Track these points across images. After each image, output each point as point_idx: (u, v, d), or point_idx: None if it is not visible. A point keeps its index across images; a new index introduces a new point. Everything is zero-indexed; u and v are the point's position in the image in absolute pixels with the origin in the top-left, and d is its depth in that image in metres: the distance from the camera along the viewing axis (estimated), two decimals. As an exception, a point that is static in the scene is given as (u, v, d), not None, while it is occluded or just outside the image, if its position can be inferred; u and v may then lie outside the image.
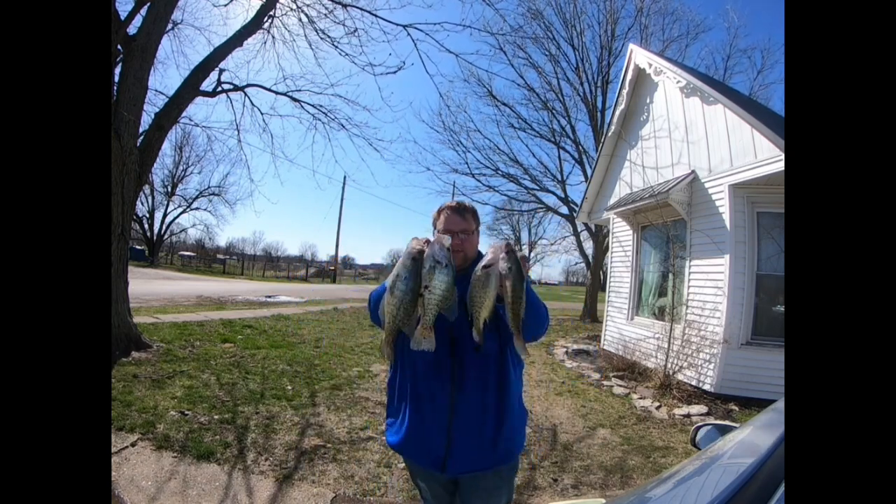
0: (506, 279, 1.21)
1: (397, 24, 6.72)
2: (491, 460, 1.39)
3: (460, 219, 1.43)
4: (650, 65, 7.14)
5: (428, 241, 1.27)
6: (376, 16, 6.78)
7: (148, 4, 5.33)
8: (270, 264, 39.89)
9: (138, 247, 31.24)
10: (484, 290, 1.22)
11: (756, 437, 1.09)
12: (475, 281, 1.23)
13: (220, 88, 6.82)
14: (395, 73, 7.13)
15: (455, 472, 1.39)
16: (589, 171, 11.08)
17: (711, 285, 5.37)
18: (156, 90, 9.95)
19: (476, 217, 1.50)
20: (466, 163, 15.61)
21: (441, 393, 1.38)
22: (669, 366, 5.38)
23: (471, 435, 1.37)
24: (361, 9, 6.90)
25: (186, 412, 3.52)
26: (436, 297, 1.19)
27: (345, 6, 6.86)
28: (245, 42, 6.30)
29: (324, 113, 7.59)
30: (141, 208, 30.78)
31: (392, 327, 1.26)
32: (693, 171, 5.93)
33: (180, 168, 31.92)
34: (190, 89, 5.95)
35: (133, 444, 2.93)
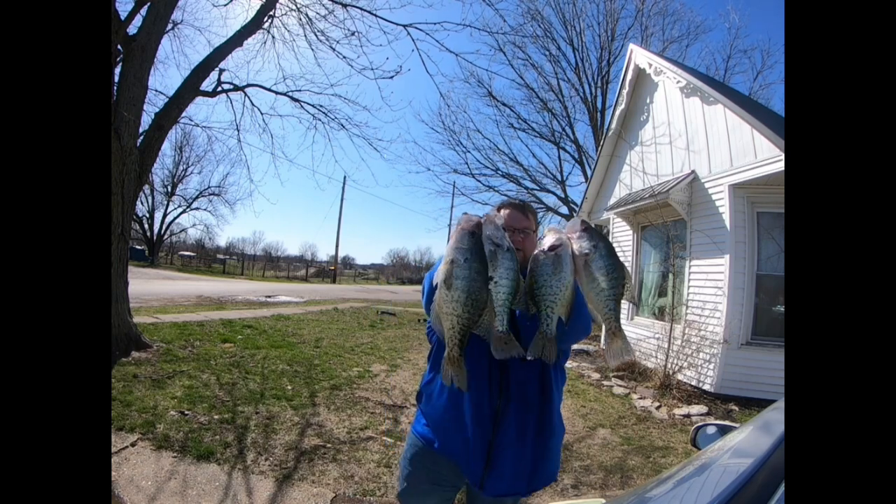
0: (592, 261, 1.00)
1: (397, 24, 6.73)
2: (531, 485, 1.33)
3: (522, 216, 1.37)
4: (650, 65, 7.14)
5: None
6: (376, 15, 6.78)
7: (148, 4, 5.32)
8: (270, 264, 39.88)
9: (138, 247, 31.21)
10: (556, 276, 0.98)
11: (756, 437, 1.09)
12: (540, 267, 1.00)
13: (220, 88, 6.81)
14: (391, 77, 7.14)
15: (493, 492, 1.30)
16: (589, 172, 11.09)
17: (711, 285, 5.37)
18: (156, 90, 9.93)
19: (537, 218, 1.44)
20: (466, 163, 15.65)
21: (487, 405, 1.29)
22: (669, 366, 5.38)
23: (511, 453, 1.29)
24: (361, 9, 6.90)
25: (186, 412, 3.51)
26: (504, 290, 0.96)
27: (344, 6, 6.86)
28: (245, 42, 6.30)
29: (324, 113, 7.59)
30: (141, 208, 30.80)
31: (457, 334, 0.97)
32: (693, 172, 5.93)
33: (180, 168, 31.94)
34: (190, 89, 5.95)
35: (133, 444, 2.93)
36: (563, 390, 1.43)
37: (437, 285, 1.01)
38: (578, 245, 1.02)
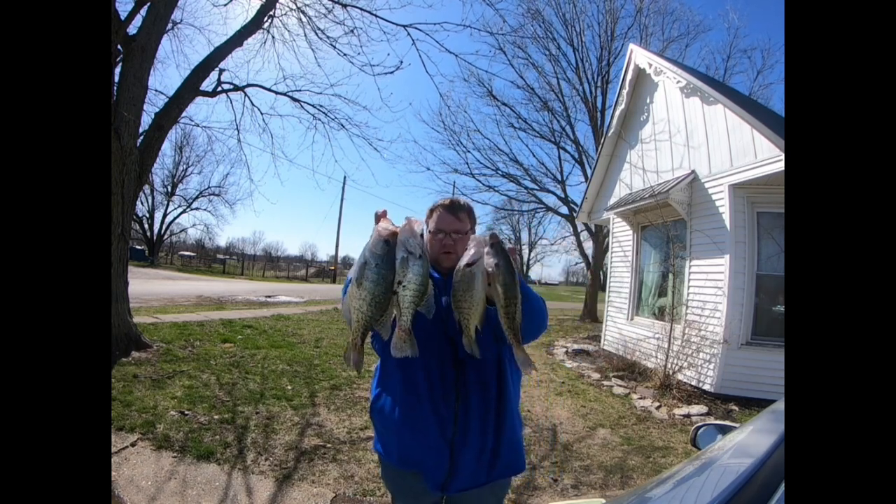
0: (494, 278, 1.06)
1: (397, 24, 6.72)
2: (491, 474, 1.30)
3: (454, 218, 1.31)
4: (650, 65, 7.14)
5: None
6: (376, 16, 6.78)
7: (148, 4, 5.33)
8: (270, 264, 39.83)
9: (138, 247, 31.22)
10: (469, 292, 1.07)
11: (756, 437, 1.09)
12: (457, 283, 1.09)
13: (220, 88, 6.82)
14: (392, 73, 7.13)
15: (455, 490, 1.29)
16: (589, 172, 11.09)
17: (711, 285, 5.37)
18: (156, 90, 9.93)
19: (472, 216, 1.37)
20: (466, 163, 15.65)
21: (444, 406, 1.26)
22: (669, 366, 5.38)
23: (473, 451, 1.27)
24: (361, 9, 6.90)
25: (186, 412, 3.51)
26: (411, 294, 1.05)
27: (344, 6, 6.85)
28: (245, 42, 6.30)
29: (324, 113, 7.59)
30: (141, 208, 30.84)
31: (360, 327, 1.08)
32: (693, 172, 5.93)
33: (180, 168, 31.97)
34: (190, 89, 5.95)
35: (133, 444, 2.93)
36: (519, 385, 1.42)
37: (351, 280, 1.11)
38: (487, 261, 1.08)
